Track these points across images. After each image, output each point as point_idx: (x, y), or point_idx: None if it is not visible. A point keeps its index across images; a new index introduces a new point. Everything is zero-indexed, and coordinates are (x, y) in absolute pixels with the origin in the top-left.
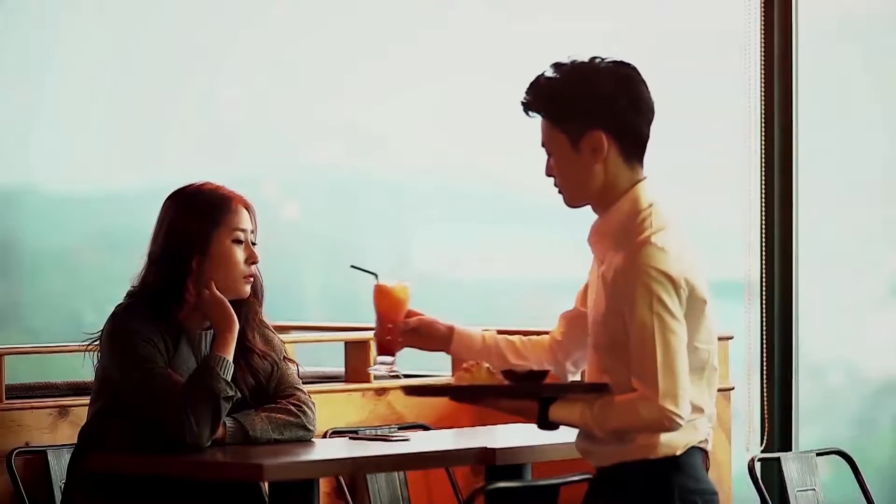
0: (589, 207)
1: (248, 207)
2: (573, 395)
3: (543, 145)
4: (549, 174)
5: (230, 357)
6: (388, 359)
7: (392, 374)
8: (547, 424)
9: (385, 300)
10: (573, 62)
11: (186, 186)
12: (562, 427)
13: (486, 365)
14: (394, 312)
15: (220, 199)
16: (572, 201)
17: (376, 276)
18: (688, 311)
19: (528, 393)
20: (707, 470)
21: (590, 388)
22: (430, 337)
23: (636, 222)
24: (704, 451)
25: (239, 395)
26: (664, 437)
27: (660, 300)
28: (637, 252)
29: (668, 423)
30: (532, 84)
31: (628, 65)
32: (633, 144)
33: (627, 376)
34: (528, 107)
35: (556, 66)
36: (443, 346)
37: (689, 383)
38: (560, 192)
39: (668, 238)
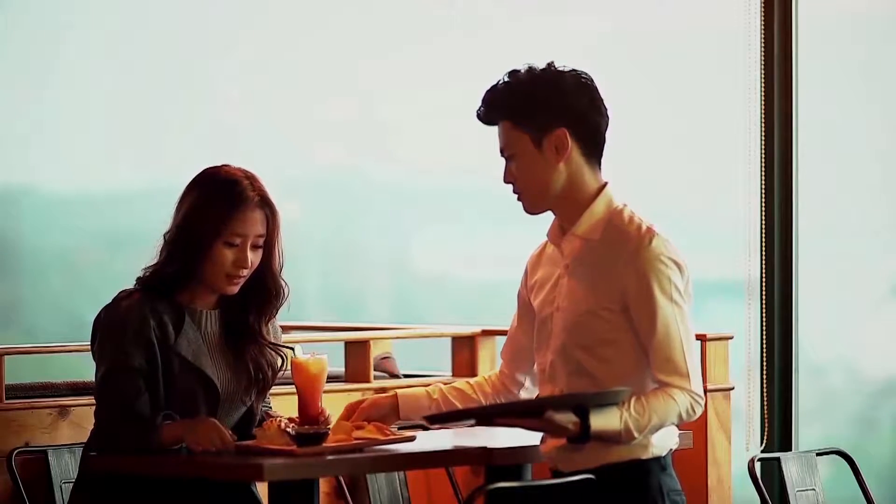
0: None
1: (266, 210)
2: (607, 404)
3: (502, 151)
4: (507, 181)
5: (171, 445)
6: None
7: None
8: (585, 438)
9: (300, 374)
10: (530, 67)
11: (219, 170)
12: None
13: (281, 421)
14: (310, 386)
15: (236, 200)
16: (533, 206)
17: (293, 350)
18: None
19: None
20: None
21: (617, 393)
22: (382, 416)
23: (624, 219)
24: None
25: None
26: (655, 438)
27: (676, 287)
28: (645, 244)
29: (698, 407)
30: (489, 91)
31: (584, 72)
32: (594, 145)
33: (613, 375)
34: (487, 112)
35: (513, 73)
36: (395, 417)
37: None
38: (519, 198)
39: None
